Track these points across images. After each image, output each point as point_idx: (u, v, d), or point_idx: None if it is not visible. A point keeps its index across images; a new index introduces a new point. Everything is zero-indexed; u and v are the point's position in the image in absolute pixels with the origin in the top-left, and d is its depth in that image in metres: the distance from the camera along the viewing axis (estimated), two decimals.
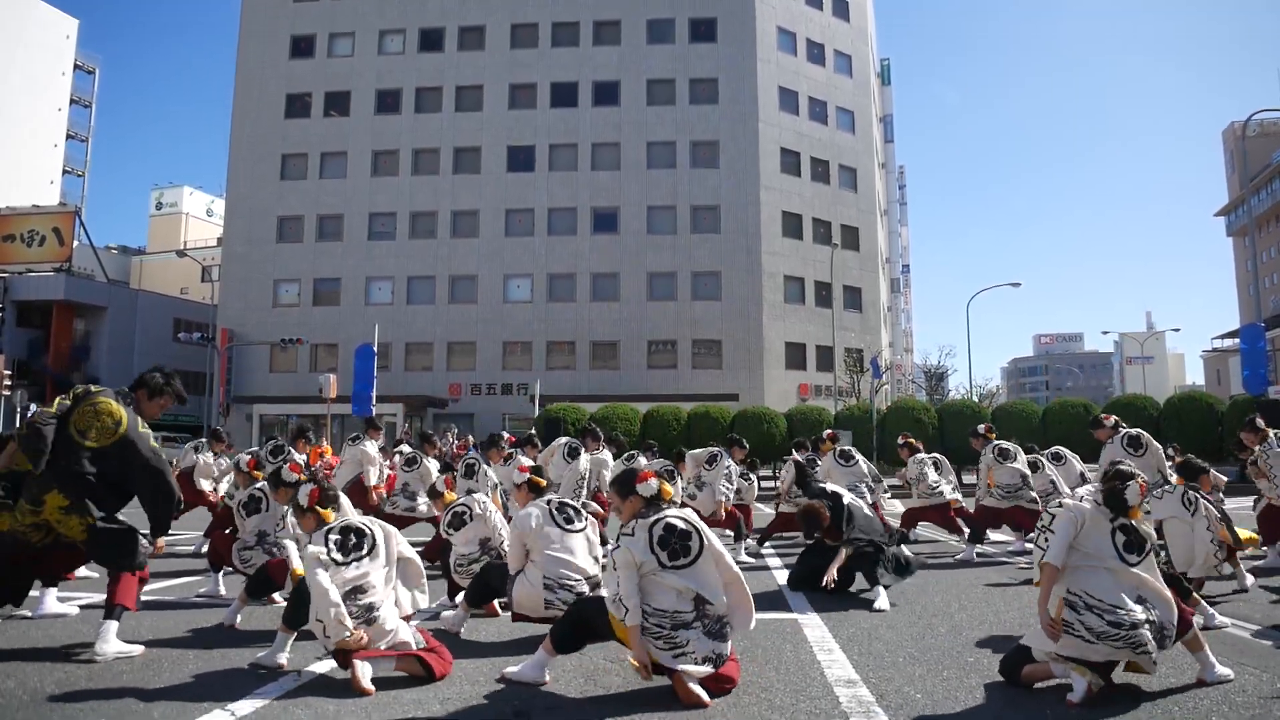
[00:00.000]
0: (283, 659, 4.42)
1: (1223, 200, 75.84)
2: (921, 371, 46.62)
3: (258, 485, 6.41)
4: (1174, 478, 6.90)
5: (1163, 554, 5.61)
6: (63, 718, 3.70)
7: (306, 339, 35.18)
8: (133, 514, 4.77)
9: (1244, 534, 6.83)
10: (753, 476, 10.57)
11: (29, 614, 5.64)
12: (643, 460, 10.34)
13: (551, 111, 38.23)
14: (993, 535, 10.12)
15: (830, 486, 7.02)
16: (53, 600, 5.79)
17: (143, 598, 5.27)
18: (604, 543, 5.63)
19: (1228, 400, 28.26)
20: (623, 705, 3.90)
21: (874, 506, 8.85)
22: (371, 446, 9.99)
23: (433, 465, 9.35)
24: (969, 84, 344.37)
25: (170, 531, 9.97)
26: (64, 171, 56.46)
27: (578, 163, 37.91)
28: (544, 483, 5.53)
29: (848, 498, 6.74)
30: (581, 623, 4.14)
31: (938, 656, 4.72)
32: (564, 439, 9.66)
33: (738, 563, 5.17)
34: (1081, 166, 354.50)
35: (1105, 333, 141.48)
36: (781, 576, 7.42)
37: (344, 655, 4.09)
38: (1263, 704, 3.84)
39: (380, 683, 4.22)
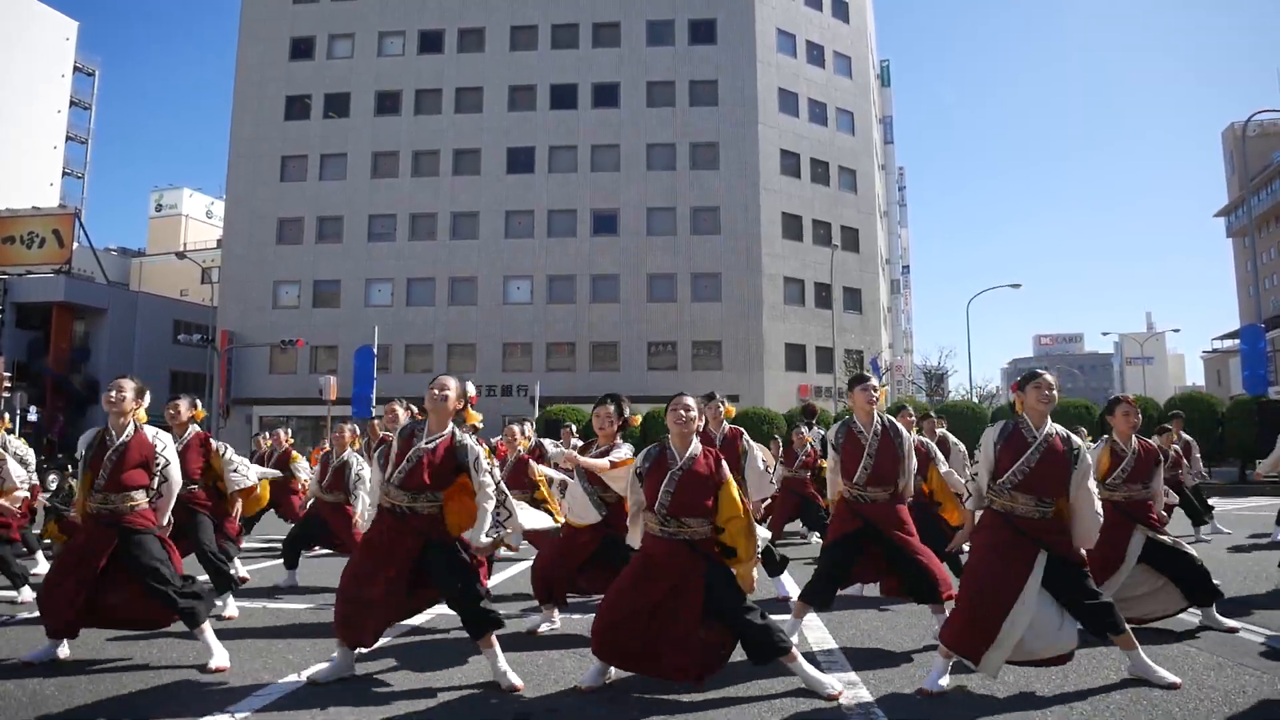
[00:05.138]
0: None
1: (1222, 201, 75.77)
2: (921, 372, 46.51)
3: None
4: None
5: None
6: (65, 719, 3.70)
7: (306, 341, 35.14)
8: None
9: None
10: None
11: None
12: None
13: (551, 113, 38.22)
14: None
15: None
16: None
17: None
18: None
19: (1228, 401, 28.27)
20: (623, 705, 3.90)
21: None
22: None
23: None
24: (969, 86, 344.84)
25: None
26: (64, 173, 56.37)
27: (577, 164, 37.90)
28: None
29: None
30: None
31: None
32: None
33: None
34: (1081, 168, 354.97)
35: (1105, 333, 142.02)
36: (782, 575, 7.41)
37: None
38: (1263, 704, 3.84)
39: (380, 682, 4.22)
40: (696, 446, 4.26)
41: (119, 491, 4.58)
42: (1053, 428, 4.22)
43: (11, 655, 4.75)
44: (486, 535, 4.25)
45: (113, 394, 4.72)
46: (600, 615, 4.14)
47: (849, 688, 4.12)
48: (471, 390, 4.57)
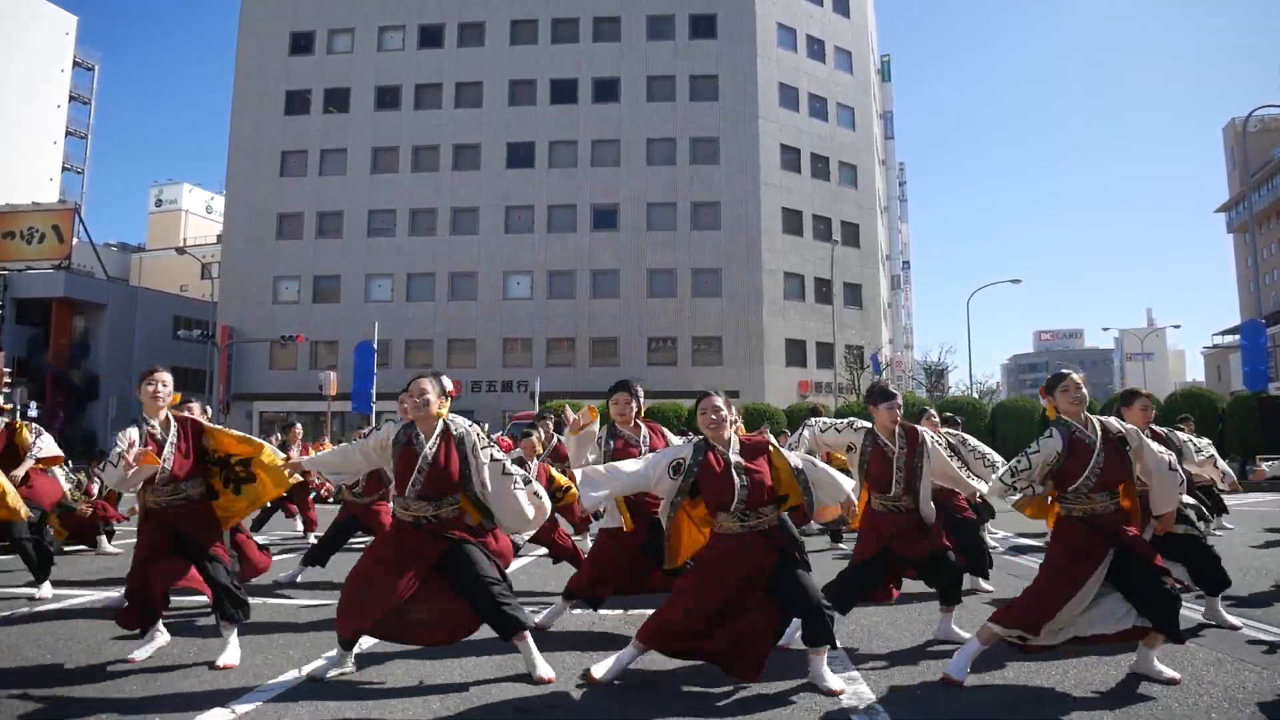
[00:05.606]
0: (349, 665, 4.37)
1: (1223, 196, 75.68)
2: (922, 368, 46.56)
3: None
4: None
5: None
6: (64, 716, 3.70)
7: (306, 336, 35.16)
8: None
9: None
10: None
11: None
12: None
13: (551, 108, 38.19)
14: (992, 532, 10.11)
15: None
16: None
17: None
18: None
19: (1228, 397, 28.27)
20: (622, 704, 3.90)
21: None
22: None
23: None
24: (969, 81, 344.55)
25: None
26: (63, 168, 56.32)
27: (577, 159, 37.87)
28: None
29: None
30: None
31: (939, 654, 4.71)
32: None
33: None
34: (1082, 163, 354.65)
35: (1106, 329, 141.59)
36: None
37: None
38: (1263, 703, 3.84)
39: (378, 677, 4.23)
40: (735, 440, 4.27)
41: (188, 480, 4.65)
42: (1096, 421, 4.28)
43: (12, 650, 4.75)
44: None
45: (155, 387, 4.63)
46: (666, 614, 4.09)
47: (850, 684, 4.12)
48: (449, 384, 4.48)
